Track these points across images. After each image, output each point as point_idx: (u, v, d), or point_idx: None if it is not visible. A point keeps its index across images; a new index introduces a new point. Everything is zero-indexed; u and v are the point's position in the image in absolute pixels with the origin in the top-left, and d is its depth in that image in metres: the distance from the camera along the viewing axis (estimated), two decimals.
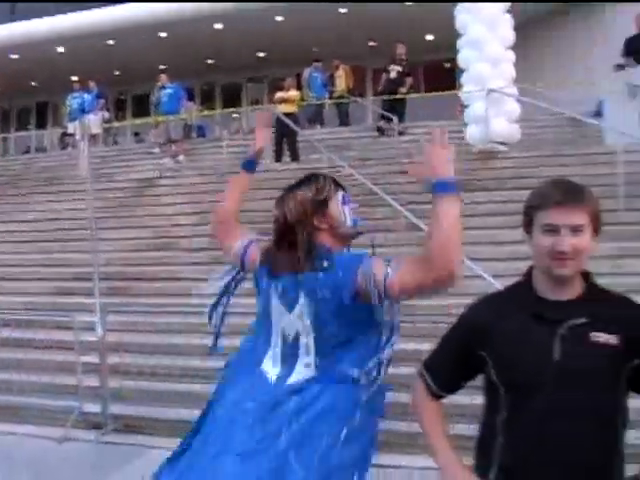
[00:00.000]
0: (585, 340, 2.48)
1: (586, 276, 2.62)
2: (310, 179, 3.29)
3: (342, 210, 3.26)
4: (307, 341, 3.04)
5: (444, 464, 2.69)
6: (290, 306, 3.09)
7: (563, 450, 2.46)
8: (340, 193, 3.31)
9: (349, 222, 3.27)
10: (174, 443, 3.35)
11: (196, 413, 3.39)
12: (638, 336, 2.49)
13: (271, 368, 3.10)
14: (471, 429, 5.67)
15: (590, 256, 2.59)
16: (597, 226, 2.55)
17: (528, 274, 2.67)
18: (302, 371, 3.04)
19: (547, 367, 2.48)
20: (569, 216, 2.48)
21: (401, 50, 17.65)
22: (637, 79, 13.15)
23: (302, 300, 3.05)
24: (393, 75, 17.62)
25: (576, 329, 2.50)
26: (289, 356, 3.08)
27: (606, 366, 2.47)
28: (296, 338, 3.08)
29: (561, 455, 2.46)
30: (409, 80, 17.84)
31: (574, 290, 2.58)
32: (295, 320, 3.07)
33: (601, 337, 2.48)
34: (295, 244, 3.11)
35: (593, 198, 2.55)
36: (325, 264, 3.03)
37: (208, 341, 3.66)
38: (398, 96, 17.36)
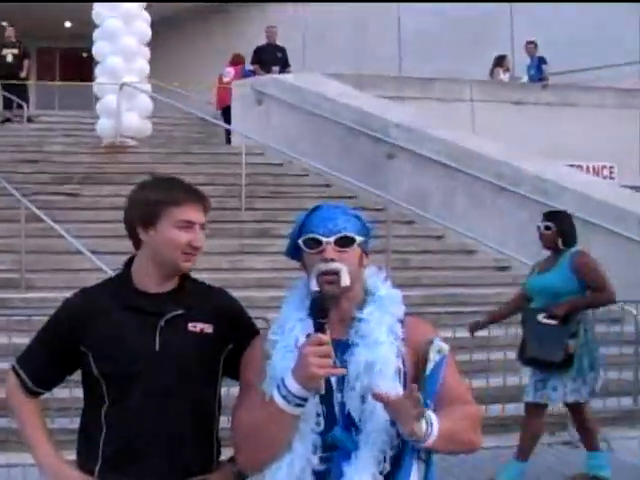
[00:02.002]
0: (184, 330, 2.58)
1: None
2: None
3: None
4: None
5: (44, 462, 2.64)
6: None
7: (161, 438, 2.54)
8: None
9: None
10: None
11: None
12: (228, 324, 2.65)
13: None
14: (73, 422, 5.69)
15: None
16: None
17: (127, 267, 2.70)
18: None
19: (148, 358, 2.54)
20: (201, 214, 2.60)
21: (11, 33, 17.17)
22: (263, 86, 13.91)
23: None
24: (10, 59, 17.01)
25: (175, 320, 2.58)
26: None
27: (204, 354, 2.59)
28: None
29: (160, 443, 2.54)
30: (27, 63, 17.35)
31: (173, 283, 2.66)
32: None
33: (197, 326, 2.60)
34: None
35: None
36: None
37: None
38: (18, 81, 16.83)
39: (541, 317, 5.83)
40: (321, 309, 2.29)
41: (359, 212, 2.55)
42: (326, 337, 2.23)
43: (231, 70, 15.97)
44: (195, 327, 2.60)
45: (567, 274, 5.91)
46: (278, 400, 2.26)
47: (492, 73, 16.64)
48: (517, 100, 14.82)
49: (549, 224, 6.07)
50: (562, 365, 5.71)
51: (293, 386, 2.23)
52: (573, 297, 5.87)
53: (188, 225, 2.56)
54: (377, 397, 2.23)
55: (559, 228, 6.06)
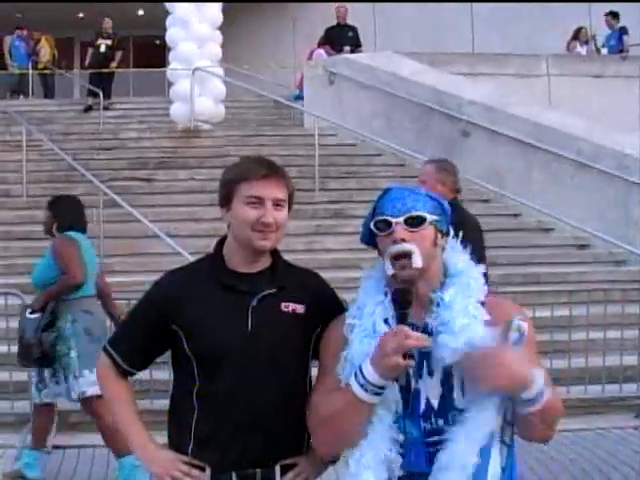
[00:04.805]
0: (276, 310, 2.56)
1: (273, 249, 2.67)
2: None
3: None
4: None
5: (140, 446, 2.63)
6: None
7: (254, 419, 2.52)
8: None
9: None
10: None
11: None
12: (319, 306, 2.60)
13: None
14: (153, 404, 5.79)
15: (287, 233, 2.66)
16: (291, 203, 2.62)
17: (219, 247, 2.68)
18: None
19: (240, 337, 2.52)
20: (273, 189, 2.51)
21: (108, 24, 17.45)
22: (334, 66, 13.83)
23: None
24: (103, 49, 17.39)
25: (267, 299, 2.55)
26: None
27: (296, 334, 2.56)
28: None
29: (252, 424, 2.52)
30: (119, 54, 17.69)
31: (264, 263, 2.63)
32: None
33: (290, 306, 2.57)
34: None
35: (289, 176, 2.63)
36: None
37: None
38: (108, 70, 17.17)
39: (27, 313, 5.44)
40: (404, 300, 2.27)
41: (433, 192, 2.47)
42: (409, 332, 2.20)
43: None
44: (287, 307, 2.57)
45: (49, 262, 5.49)
46: (356, 389, 2.23)
47: (569, 46, 16.25)
48: (596, 73, 14.43)
49: (49, 212, 5.67)
50: (43, 362, 5.34)
51: (371, 375, 2.20)
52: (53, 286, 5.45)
53: (257, 201, 2.50)
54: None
55: (55, 212, 5.63)
